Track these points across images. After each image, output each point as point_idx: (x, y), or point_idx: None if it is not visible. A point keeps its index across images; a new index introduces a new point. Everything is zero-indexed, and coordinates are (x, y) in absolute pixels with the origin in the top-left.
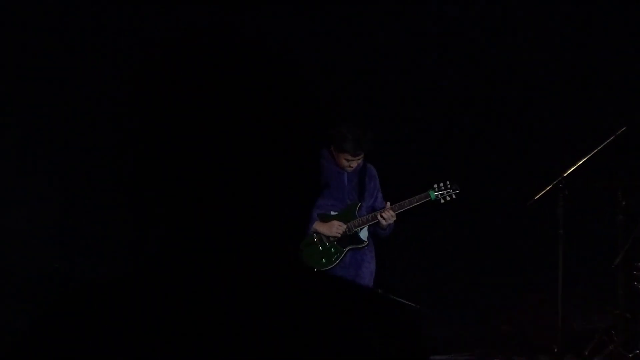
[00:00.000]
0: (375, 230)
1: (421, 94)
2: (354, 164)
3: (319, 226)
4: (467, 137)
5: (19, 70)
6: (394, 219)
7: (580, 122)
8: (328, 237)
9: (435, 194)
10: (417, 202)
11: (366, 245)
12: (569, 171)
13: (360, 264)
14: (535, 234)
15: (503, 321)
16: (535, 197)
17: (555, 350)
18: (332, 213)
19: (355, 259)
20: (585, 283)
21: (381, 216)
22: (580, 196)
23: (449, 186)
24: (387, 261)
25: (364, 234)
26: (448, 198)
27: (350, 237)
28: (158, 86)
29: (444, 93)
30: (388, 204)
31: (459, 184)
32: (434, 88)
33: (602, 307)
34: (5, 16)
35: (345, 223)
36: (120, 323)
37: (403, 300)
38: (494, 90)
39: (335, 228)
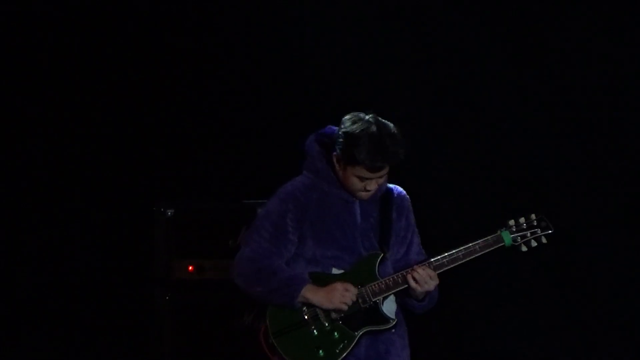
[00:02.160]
0: (406, 302)
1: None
2: (373, 187)
3: (311, 293)
4: (541, 146)
5: None
6: (436, 282)
7: None
8: (328, 313)
9: (512, 236)
10: (480, 251)
11: (394, 327)
12: None
13: (384, 358)
14: None
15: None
16: None
17: None
18: (335, 271)
19: (375, 349)
20: None
21: (413, 277)
22: None
23: (534, 223)
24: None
25: (389, 307)
26: (534, 243)
27: (367, 313)
28: None
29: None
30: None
31: (548, 218)
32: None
33: None
34: None
35: (356, 287)
36: None
37: None
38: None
39: (340, 296)
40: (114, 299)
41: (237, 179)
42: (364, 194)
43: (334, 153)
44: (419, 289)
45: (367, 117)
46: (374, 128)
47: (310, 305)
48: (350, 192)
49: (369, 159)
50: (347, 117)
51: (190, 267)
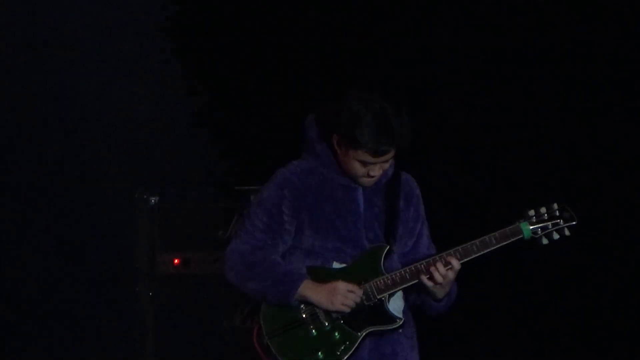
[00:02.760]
0: (418, 301)
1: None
2: (377, 172)
3: (309, 290)
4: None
5: None
6: (452, 277)
7: None
8: (328, 312)
9: (532, 228)
10: (496, 243)
11: (401, 326)
12: None
13: None
14: None
15: None
16: None
17: None
18: (336, 265)
19: (380, 351)
20: None
21: (427, 274)
22: None
23: (555, 213)
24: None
25: (396, 305)
26: (556, 236)
27: (371, 311)
28: None
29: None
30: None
31: (572, 208)
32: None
33: None
34: None
35: (361, 286)
36: None
37: None
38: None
39: (342, 297)
40: (94, 294)
41: (228, 163)
42: (366, 181)
43: (334, 135)
44: (438, 289)
45: (371, 95)
46: (378, 107)
47: (308, 303)
48: (352, 178)
49: (372, 141)
50: (349, 94)
51: (176, 261)
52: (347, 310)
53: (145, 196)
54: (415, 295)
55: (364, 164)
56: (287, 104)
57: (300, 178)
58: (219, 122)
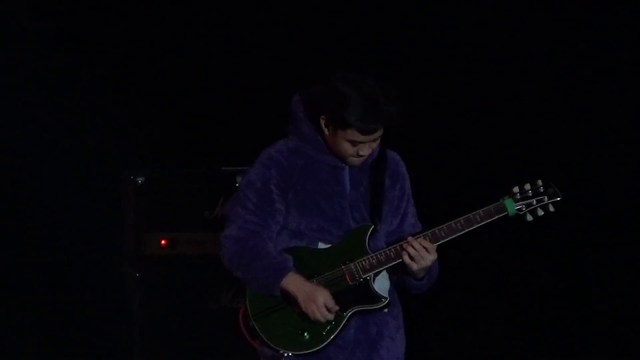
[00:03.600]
0: (403, 281)
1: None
2: (366, 151)
3: (292, 284)
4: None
5: None
6: (433, 256)
7: None
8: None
9: (517, 205)
10: (480, 221)
11: (386, 306)
12: None
13: (376, 341)
14: None
15: None
16: None
17: None
18: (322, 245)
19: (366, 331)
20: None
21: (407, 252)
22: None
23: (540, 190)
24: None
25: (381, 285)
26: (541, 212)
27: (357, 291)
28: None
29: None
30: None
31: (556, 185)
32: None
33: None
34: None
35: (345, 264)
36: None
37: None
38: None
39: (316, 311)
40: (79, 276)
41: (214, 143)
42: (356, 160)
43: (322, 116)
44: (414, 265)
45: (357, 75)
46: (366, 86)
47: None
48: (341, 158)
49: (361, 120)
50: (336, 75)
51: (163, 241)
52: (314, 319)
53: (131, 177)
54: (398, 275)
55: (354, 143)
56: (273, 84)
57: (286, 157)
58: (206, 102)
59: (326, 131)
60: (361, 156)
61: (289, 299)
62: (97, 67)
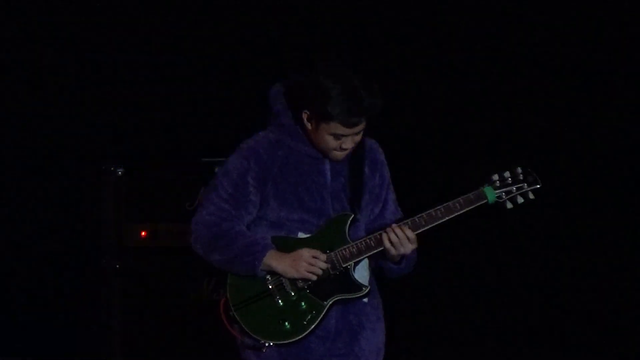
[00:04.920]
0: (381, 266)
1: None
2: (349, 145)
3: (274, 260)
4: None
5: None
6: (414, 245)
7: None
8: (294, 281)
9: (496, 192)
10: (460, 209)
11: (366, 294)
12: None
13: (356, 331)
14: None
15: None
16: None
17: None
18: (302, 235)
19: (346, 321)
20: None
21: (388, 239)
22: None
23: (520, 177)
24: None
25: (361, 274)
26: (520, 199)
27: (337, 280)
28: None
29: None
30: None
31: (536, 172)
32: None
33: None
34: None
35: (325, 253)
36: None
37: None
38: None
39: (307, 264)
40: (58, 268)
41: (194, 135)
42: (339, 154)
43: (305, 111)
44: (393, 251)
45: (338, 67)
46: (347, 79)
47: (274, 273)
48: (323, 153)
49: (344, 113)
50: (316, 68)
51: (143, 233)
52: (313, 277)
53: (111, 168)
54: (376, 261)
55: (337, 137)
56: (253, 76)
57: (266, 149)
58: (186, 93)
59: (309, 126)
60: (344, 150)
61: (269, 288)
62: (76, 57)
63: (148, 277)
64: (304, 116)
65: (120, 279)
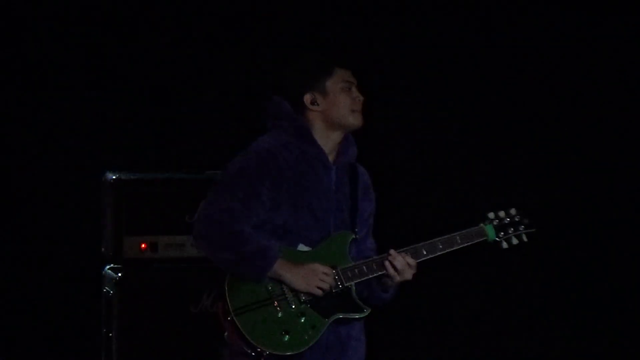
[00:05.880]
0: (371, 291)
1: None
2: (359, 95)
3: (284, 269)
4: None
5: None
6: (414, 271)
7: None
8: (297, 293)
9: (497, 232)
10: (460, 243)
11: (366, 316)
12: None
13: (345, 343)
14: None
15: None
16: None
17: None
18: (302, 247)
19: (337, 334)
20: None
21: (392, 265)
22: None
23: (515, 218)
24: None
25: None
26: (515, 241)
27: (339, 298)
28: None
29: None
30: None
31: (530, 214)
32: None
33: None
34: None
35: (334, 269)
36: None
37: None
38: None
39: (318, 280)
40: (57, 279)
41: (198, 147)
42: (357, 110)
43: (306, 94)
44: (397, 278)
45: (284, 48)
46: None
47: (277, 282)
48: (345, 120)
49: (333, 51)
50: (279, 65)
51: (143, 245)
52: (320, 293)
53: (112, 179)
54: (364, 285)
55: (346, 88)
56: (257, 89)
57: (280, 152)
58: (189, 105)
59: (318, 105)
60: (359, 102)
61: (269, 297)
62: (80, 65)
63: (148, 290)
64: (308, 99)
65: (120, 291)
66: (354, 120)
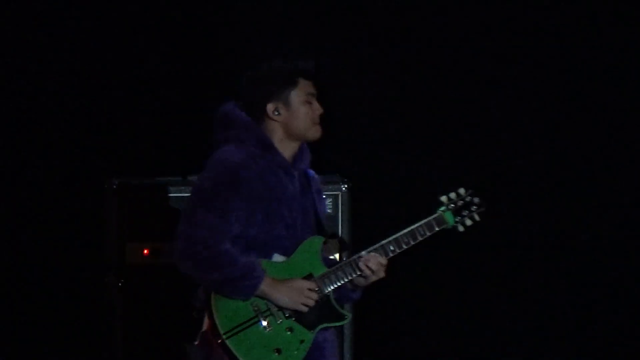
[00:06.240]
0: (336, 293)
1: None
2: (319, 108)
3: (269, 287)
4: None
5: None
6: (384, 269)
7: None
8: (281, 309)
9: (455, 217)
10: (424, 234)
11: (346, 322)
12: None
13: (323, 347)
14: None
15: None
16: None
17: None
18: (277, 257)
19: (315, 342)
20: None
21: (367, 266)
22: None
23: (467, 199)
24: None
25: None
26: (469, 222)
27: (320, 308)
28: None
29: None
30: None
31: (478, 191)
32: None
33: None
34: None
35: (309, 279)
36: None
37: None
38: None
39: (304, 297)
40: (60, 286)
41: (200, 153)
42: (317, 124)
43: (268, 104)
44: (372, 277)
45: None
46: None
47: (261, 298)
48: (305, 132)
49: (297, 64)
50: (244, 77)
51: (145, 251)
52: (305, 310)
53: (114, 185)
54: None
55: (308, 101)
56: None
57: (249, 163)
58: (193, 110)
59: (280, 115)
60: (319, 115)
61: (254, 315)
62: (84, 70)
63: (150, 295)
64: (270, 109)
65: (123, 297)
66: (315, 133)
